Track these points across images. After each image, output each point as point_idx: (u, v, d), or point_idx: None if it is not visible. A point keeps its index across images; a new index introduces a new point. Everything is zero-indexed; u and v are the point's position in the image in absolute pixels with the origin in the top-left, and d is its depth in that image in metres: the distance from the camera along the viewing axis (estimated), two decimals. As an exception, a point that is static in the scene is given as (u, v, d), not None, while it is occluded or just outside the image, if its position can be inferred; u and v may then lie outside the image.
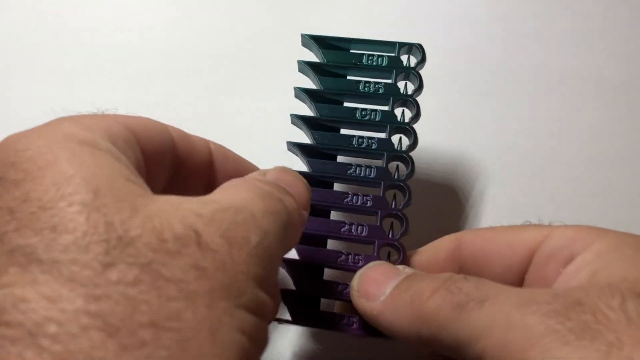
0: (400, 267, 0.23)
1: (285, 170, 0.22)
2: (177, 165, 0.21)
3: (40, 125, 0.17)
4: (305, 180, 0.22)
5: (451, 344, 0.18)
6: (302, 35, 0.27)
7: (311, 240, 0.25)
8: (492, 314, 0.17)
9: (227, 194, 0.18)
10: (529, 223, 0.23)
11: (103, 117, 0.18)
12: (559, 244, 0.21)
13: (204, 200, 0.16)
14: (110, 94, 0.35)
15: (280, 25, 0.37)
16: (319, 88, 0.27)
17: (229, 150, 0.24)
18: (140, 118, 0.20)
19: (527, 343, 0.15)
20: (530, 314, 0.16)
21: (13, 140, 0.16)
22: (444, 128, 0.34)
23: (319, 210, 0.25)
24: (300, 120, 0.26)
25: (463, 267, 0.23)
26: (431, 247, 0.25)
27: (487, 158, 0.33)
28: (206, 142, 0.23)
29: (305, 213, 0.21)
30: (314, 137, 0.26)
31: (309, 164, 0.26)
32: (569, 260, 0.20)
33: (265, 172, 0.21)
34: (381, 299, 0.21)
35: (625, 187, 0.33)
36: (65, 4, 0.37)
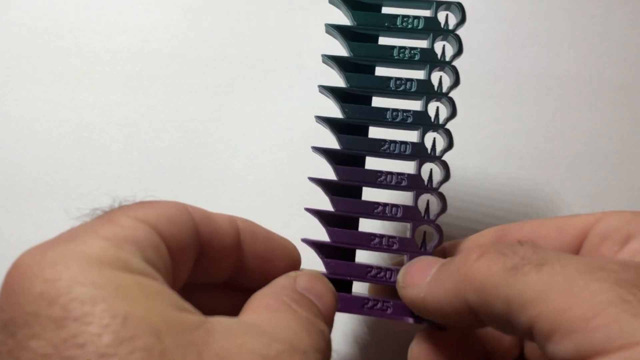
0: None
1: (315, 277, 0.21)
2: (200, 250, 0.20)
3: (56, 239, 0.15)
4: (333, 288, 0.22)
5: (501, 310, 0.16)
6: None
7: (343, 222, 0.24)
8: (552, 277, 0.15)
9: (272, 321, 0.17)
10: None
11: (126, 221, 0.16)
12: (614, 225, 0.19)
13: (258, 331, 0.16)
14: (111, 95, 0.36)
15: (282, 27, 0.37)
16: (349, 54, 0.25)
17: (258, 226, 0.22)
18: (161, 207, 0.18)
19: (590, 310, 0.14)
20: (596, 280, 0.15)
21: (33, 264, 0.14)
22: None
23: (351, 189, 0.24)
24: (329, 91, 0.24)
25: None
26: (474, 237, 0.24)
27: (487, 160, 0.33)
28: (232, 221, 0.21)
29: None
30: (344, 111, 0.24)
31: (340, 141, 0.24)
32: (626, 240, 0.19)
33: (294, 278, 0.21)
34: (426, 280, 0.20)
35: (625, 189, 0.33)
36: (66, 5, 0.37)
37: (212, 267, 0.20)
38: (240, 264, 0.21)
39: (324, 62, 0.25)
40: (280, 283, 0.20)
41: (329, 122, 0.24)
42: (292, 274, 0.21)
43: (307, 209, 0.24)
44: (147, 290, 0.14)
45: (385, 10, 0.25)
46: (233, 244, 0.21)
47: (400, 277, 0.22)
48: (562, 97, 0.35)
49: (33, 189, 0.33)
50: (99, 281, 0.14)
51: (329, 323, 0.20)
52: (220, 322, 0.15)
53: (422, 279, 0.20)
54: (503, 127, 0.34)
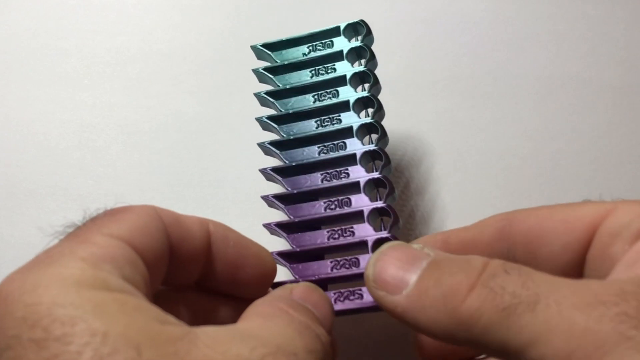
0: (416, 245, 0.20)
1: (311, 287, 0.21)
2: (170, 254, 0.20)
3: (35, 262, 0.16)
4: (329, 299, 0.22)
5: (496, 349, 0.16)
6: (252, 47, 0.28)
7: (304, 226, 0.25)
8: (549, 318, 0.15)
9: (264, 326, 0.17)
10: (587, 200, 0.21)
11: (101, 239, 0.17)
12: (626, 220, 0.18)
13: (246, 336, 0.15)
14: (110, 96, 0.36)
15: (281, 28, 0.37)
16: (278, 86, 0.27)
17: (231, 231, 0.22)
18: (133, 218, 0.18)
19: (596, 351, 0.14)
20: (597, 319, 0.14)
21: (14, 289, 0.14)
22: (444, 131, 0.34)
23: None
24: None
25: (512, 246, 0.21)
26: (478, 224, 0.23)
27: (488, 161, 0.33)
28: (204, 224, 0.21)
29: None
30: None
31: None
32: (637, 237, 0.18)
33: (290, 289, 0.21)
34: (405, 292, 0.18)
35: (626, 190, 0.33)
36: (66, 6, 0.37)
37: (180, 269, 0.20)
38: (210, 268, 0.21)
39: (256, 96, 0.27)
40: (277, 293, 0.20)
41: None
42: (288, 285, 0.21)
43: (266, 225, 0.25)
44: (125, 306, 0.14)
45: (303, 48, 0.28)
46: (202, 248, 0.20)
47: (369, 269, 0.20)
48: (562, 98, 0.35)
49: (33, 189, 0.33)
50: (77, 302, 0.14)
51: (327, 331, 0.19)
52: (206, 331, 0.15)
53: (397, 282, 0.19)
54: (503, 128, 0.34)
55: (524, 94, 0.35)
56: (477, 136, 0.34)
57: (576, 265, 0.20)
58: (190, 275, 0.21)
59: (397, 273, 0.19)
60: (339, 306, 0.23)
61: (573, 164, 0.33)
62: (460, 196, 0.33)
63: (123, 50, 0.36)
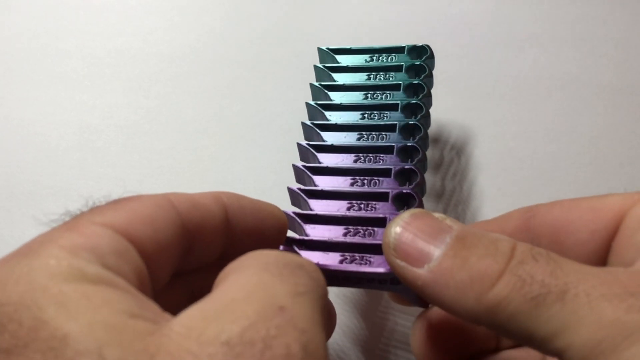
0: (439, 215, 0.19)
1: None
2: (189, 240, 0.19)
3: (13, 254, 0.15)
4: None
5: (522, 337, 0.16)
6: (319, 49, 0.29)
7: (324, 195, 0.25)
8: (577, 308, 0.15)
9: (236, 284, 0.15)
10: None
11: (88, 227, 0.16)
12: None
13: (221, 309, 0.14)
14: (111, 97, 0.36)
15: (281, 29, 0.37)
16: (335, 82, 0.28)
17: (243, 198, 0.21)
18: (135, 207, 0.17)
19: (624, 341, 0.14)
20: (625, 310, 0.14)
21: None
22: (443, 131, 0.34)
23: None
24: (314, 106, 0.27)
25: (537, 238, 0.21)
26: (501, 217, 0.22)
27: (487, 162, 0.33)
28: (218, 199, 0.20)
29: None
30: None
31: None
32: None
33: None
34: (428, 266, 0.17)
35: (625, 192, 0.33)
36: (66, 8, 0.37)
37: (203, 251, 0.20)
38: (231, 241, 0.20)
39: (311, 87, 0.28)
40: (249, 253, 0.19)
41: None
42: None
43: (289, 188, 0.25)
44: (92, 301, 0.14)
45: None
46: (222, 224, 0.20)
47: (390, 237, 0.19)
48: (561, 99, 0.35)
49: (33, 190, 0.33)
50: (42, 301, 0.13)
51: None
52: (181, 317, 0.14)
53: (420, 255, 0.18)
54: (502, 130, 0.34)
55: (523, 95, 0.35)
56: (476, 137, 0.34)
57: (602, 253, 0.20)
58: (213, 253, 0.20)
59: (419, 245, 0.18)
60: (343, 267, 0.21)
61: (573, 165, 0.33)
62: (459, 196, 0.33)
63: (123, 51, 0.36)
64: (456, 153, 0.34)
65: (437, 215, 0.19)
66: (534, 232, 0.21)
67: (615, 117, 0.34)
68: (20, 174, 0.34)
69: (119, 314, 0.14)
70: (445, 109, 0.34)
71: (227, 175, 0.33)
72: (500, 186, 0.33)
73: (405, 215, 0.19)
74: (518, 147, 0.34)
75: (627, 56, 0.36)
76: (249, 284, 0.15)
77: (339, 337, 0.27)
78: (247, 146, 0.34)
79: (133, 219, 0.17)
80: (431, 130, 0.34)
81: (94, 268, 0.15)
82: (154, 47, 0.36)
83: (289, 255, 0.17)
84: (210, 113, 0.35)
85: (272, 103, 0.35)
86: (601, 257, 0.20)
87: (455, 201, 0.33)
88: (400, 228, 0.19)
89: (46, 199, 0.33)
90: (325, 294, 0.17)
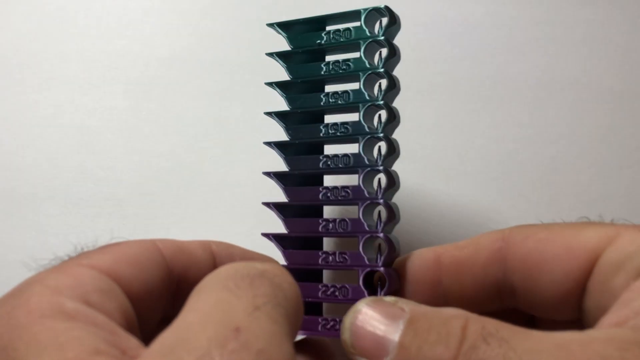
0: (389, 299, 0.19)
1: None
2: (176, 284, 0.19)
3: (6, 294, 0.16)
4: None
5: None
6: (268, 24, 0.26)
7: (301, 242, 0.24)
8: None
9: (195, 308, 0.15)
10: (586, 220, 0.20)
11: (74, 269, 0.17)
12: (628, 251, 0.18)
13: (180, 338, 0.14)
14: (111, 100, 0.36)
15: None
16: (289, 77, 0.26)
17: (235, 247, 0.22)
18: (121, 250, 0.18)
19: None
20: None
21: None
22: (444, 135, 0.34)
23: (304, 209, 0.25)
24: (274, 116, 0.26)
25: (510, 271, 0.21)
26: (472, 243, 0.22)
27: (488, 165, 0.33)
28: (206, 247, 0.21)
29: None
30: (288, 133, 0.26)
31: (287, 162, 0.25)
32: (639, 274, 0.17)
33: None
34: (387, 359, 0.17)
35: (625, 195, 0.33)
36: (66, 10, 0.37)
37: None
38: None
39: (267, 84, 0.27)
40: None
41: (276, 145, 0.25)
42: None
43: (264, 234, 0.24)
44: (59, 340, 0.14)
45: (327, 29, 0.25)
46: (210, 270, 0.20)
47: (346, 333, 0.19)
48: (561, 102, 0.35)
49: (33, 193, 0.33)
50: (17, 343, 0.14)
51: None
52: (144, 356, 0.14)
53: (378, 350, 0.17)
54: (502, 133, 0.34)
55: (523, 98, 0.35)
56: (476, 140, 0.34)
57: (577, 292, 0.19)
58: None
59: (375, 338, 0.18)
60: (322, 333, 0.22)
61: (573, 168, 0.33)
62: (460, 199, 0.33)
63: (123, 54, 0.36)
64: (455, 156, 0.34)
65: (387, 299, 0.19)
66: (507, 264, 0.21)
67: (616, 121, 0.34)
68: (20, 177, 0.34)
69: (83, 352, 0.14)
70: (445, 112, 0.34)
71: (227, 178, 0.33)
72: (499, 189, 0.33)
73: (358, 305, 0.19)
74: (518, 150, 0.34)
75: (627, 59, 0.36)
76: (206, 306, 0.15)
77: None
78: (247, 149, 0.34)
79: (119, 260, 0.17)
80: (431, 131, 0.34)
81: (73, 304, 0.15)
82: (154, 50, 0.37)
83: (250, 265, 0.16)
84: (211, 116, 0.35)
85: (273, 106, 0.35)
86: (576, 296, 0.20)
87: (454, 204, 0.32)
88: (354, 322, 0.19)
89: (46, 201, 0.33)
90: (292, 295, 0.16)
